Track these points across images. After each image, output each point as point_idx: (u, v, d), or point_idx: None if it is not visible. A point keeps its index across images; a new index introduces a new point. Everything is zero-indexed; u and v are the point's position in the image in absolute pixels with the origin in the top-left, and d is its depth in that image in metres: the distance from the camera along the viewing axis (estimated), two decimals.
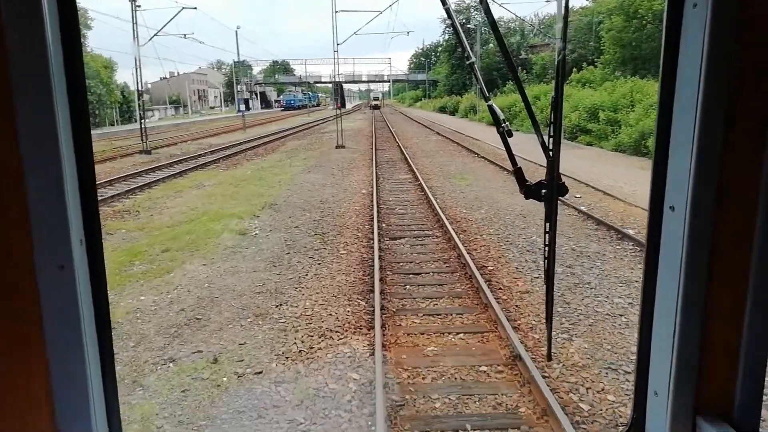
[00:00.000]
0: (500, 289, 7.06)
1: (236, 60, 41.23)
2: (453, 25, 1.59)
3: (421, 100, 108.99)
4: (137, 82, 26.22)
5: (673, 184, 1.11)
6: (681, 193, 1.08)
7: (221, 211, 12.23)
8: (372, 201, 12.86)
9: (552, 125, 1.38)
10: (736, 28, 1.00)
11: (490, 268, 7.94)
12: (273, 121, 58.99)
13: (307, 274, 7.64)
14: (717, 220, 1.07)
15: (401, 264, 8.37)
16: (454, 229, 10.01)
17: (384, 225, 10.85)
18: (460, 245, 8.88)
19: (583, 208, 11.87)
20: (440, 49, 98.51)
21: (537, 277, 7.36)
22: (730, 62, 1.01)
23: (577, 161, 19.48)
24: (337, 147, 26.80)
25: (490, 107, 1.54)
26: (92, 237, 1.06)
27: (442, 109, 68.89)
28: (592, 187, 14.47)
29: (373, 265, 7.98)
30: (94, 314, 1.07)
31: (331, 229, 10.25)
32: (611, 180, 15.49)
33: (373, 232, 9.91)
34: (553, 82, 1.61)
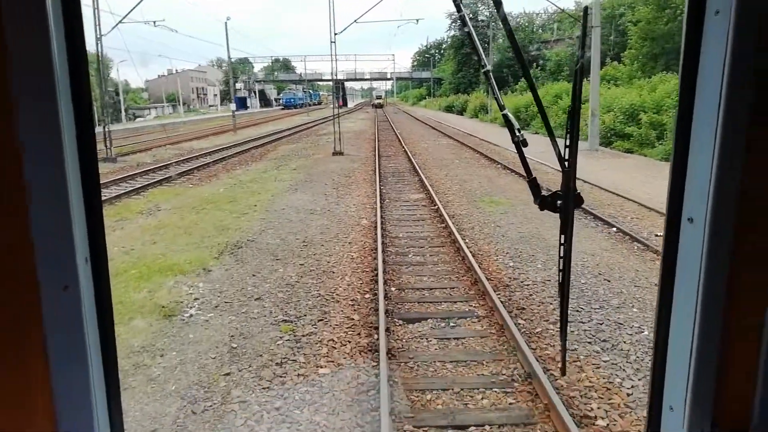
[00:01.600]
0: None
1: (229, 55, 37.39)
2: (469, 33, 1.47)
3: (425, 98, 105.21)
4: (101, 77, 22.54)
5: (692, 195, 1.07)
6: (700, 204, 1.04)
7: (162, 258, 8.54)
8: (375, 241, 9.17)
9: (568, 134, 1.30)
10: (760, 37, 0.96)
11: (600, 422, 4.22)
12: (269, 121, 55.32)
13: None
14: (738, 233, 1.02)
15: (430, 397, 4.66)
16: (504, 304, 6.31)
17: (394, 289, 7.15)
18: (525, 348, 5.18)
19: None
20: (445, 45, 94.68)
21: None
22: (752, 71, 0.97)
23: (628, 175, 15.72)
24: (334, 153, 23.07)
25: (505, 116, 1.48)
26: (98, 255, 1.01)
27: (449, 109, 65.11)
28: None
29: (379, 409, 4.29)
30: (99, 337, 1.02)
31: (312, 307, 6.52)
32: None
33: (377, 309, 6.22)
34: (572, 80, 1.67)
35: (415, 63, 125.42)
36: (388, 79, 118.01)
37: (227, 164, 21.27)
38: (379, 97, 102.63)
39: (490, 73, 1.64)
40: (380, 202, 12.64)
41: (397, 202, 13.12)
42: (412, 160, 20.72)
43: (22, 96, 0.87)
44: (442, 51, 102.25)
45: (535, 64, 52.82)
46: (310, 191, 14.32)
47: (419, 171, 17.55)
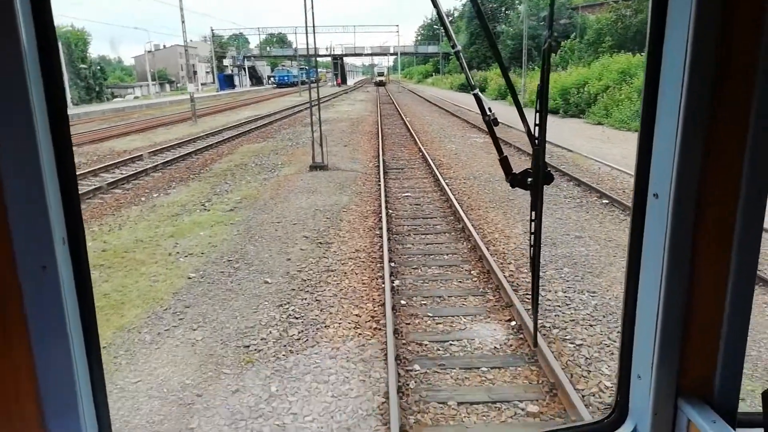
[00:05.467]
0: None
1: (182, 15, 28.20)
2: (438, 14, 1.39)
3: (431, 75, 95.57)
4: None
5: (657, 172, 1.12)
6: (665, 181, 1.09)
7: None
8: None
9: (538, 113, 1.31)
10: (722, 14, 0.99)
11: None
12: (251, 104, 46.36)
13: None
14: (700, 208, 1.09)
15: None
16: None
17: None
18: None
19: None
20: (456, 14, 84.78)
21: None
22: (715, 50, 1.01)
23: None
24: (312, 167, 14.39)
25: (476, 96, 1.49)
26: (75, 236, 1.01)
27: (463, 87, 55.94)
28: None
29: None
30: (80, 314, 1.04)
31: None
32: None
33: None
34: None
35: (420, 37, 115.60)
36: (392, 54, 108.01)
37: (131, 190, 12.63)
38: (381, 74, 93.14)
39: (460, 54, 1.53)
40: (400, 399, 4.12)
41: (448, 373, 4.59)
42: (442, 181, 12.11)
43: None
44: (451, 22, 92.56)
45: (565, 37, 44.39)
46: (218, 320, 5.70)
47: (464, 216, 8.98)
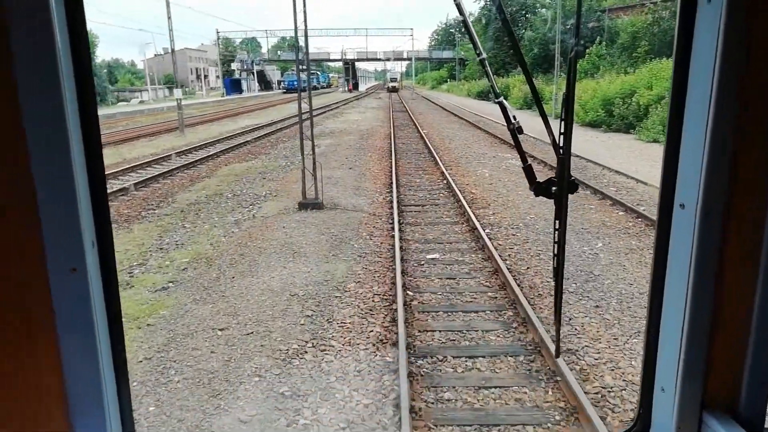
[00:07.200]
0: None
1: (168, 13, 24.77)
2: (464, 21, 1.35)
3: (447, 81, 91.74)
4: None
5: (683, 182, 1.08)
6: (692, 191, 1.05)
7: None
8: None
9: (563, 122, 1.26)
10: (750, 24, 0.95)
11: None
12: (253, 111, 42.91)
13: None
14: (727, 219, 1.04)
15: None
16: None
17: None
18: None
19: None
20: (471, 18, 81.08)
21: None
22: (743, 59, 0.97)
23: None
24: (301, 205, 10.68)
25: (501, 104, 1.42)
26: (104, 239, 1.02)
27: (482, 95, 52.08)
28: None
29: None
30: (107, 316, 1.04)
31: None
32: None
33: None
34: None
35: (433, 43, 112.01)
36: (406, 59, 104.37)
37: None
38: (393, 80, 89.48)
39: (486, 61, 1.46)
40: None
41: None
42: (481, 232, 8.40)
43: (25, 88, 0.85)
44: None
45: (589, 42, 40.70)
46: None
47: (531, 313, 5.30)
